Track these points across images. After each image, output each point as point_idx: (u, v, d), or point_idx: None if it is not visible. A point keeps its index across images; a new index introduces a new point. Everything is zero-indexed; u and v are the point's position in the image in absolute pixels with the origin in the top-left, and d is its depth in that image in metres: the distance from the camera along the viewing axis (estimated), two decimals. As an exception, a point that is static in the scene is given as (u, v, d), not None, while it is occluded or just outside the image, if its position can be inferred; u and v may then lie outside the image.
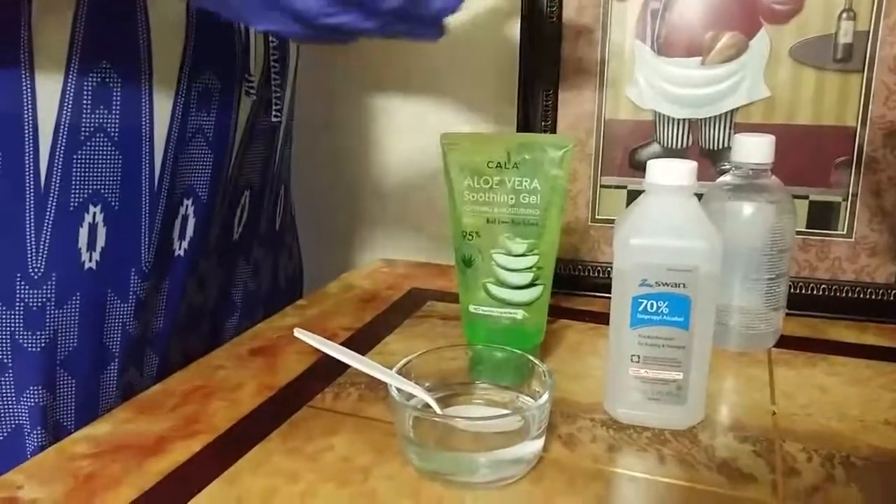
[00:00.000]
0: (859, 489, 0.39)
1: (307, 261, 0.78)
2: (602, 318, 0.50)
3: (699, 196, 0.50)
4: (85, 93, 0.44)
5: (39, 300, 0.45)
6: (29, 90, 0.43)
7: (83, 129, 0.45)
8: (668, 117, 0.66)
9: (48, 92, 0.43)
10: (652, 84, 0.65)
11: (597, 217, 0.69)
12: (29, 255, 0.45)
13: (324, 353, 0.45)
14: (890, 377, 0.52)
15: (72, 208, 0.46)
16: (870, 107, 0.61)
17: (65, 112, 0.44)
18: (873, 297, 0.62)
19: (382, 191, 0.89)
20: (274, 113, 0.58)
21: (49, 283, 0.46)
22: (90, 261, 0.47)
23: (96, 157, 0.46)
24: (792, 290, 0.60)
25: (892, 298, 0.62)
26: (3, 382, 0.45)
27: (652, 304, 0.43)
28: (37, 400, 0.46)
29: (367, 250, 0.91)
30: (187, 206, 0.52)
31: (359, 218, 0.91)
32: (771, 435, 0.44)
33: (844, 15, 0.61)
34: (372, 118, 0.87)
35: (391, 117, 0.86)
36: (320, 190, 0.91)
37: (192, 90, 0.49)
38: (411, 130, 0.85)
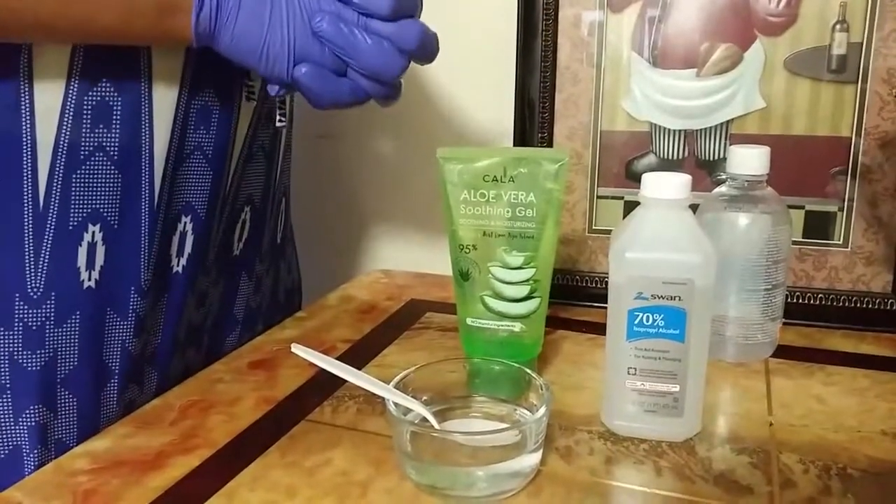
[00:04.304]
0: (856, 501, 0.39)
1: (306, 271, 0.78)
2: (600, 329, 0.50)
3: (695, 207, 0.50)
4: (85, 111, 0.45)
5: (38, 320, 0.46)
6: (28, 108, 0.43)
7: (82, 147, 0.45)
8: (664, 128, 0.66)
9: (47, 110, 0.43)
10: (647, 96, 0.66)
11: (594, 227, 0.69)
12: (28, 275, 0.45)
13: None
14: (887, 387, 0.52)
15: (71, 227, 0.46)
16: (864, 117, 0.61)
17: (64, 130, 0.44)
18: (870, 306, 0.62)
19: (381, 201, 0.89)
20: (279, 118, 0.58)
21: (48, 302, 0.46)
22: (89, 279, 0.47)
23: (95, 175, 0.46)
24: (788, 300, 0.60)
25: (888, 307, 0.62)
26: (1, 403, 0.45)
27: (648, 317, 0.43)
28: (37, 419, 0.46)
29: (366, 260, 0.92)
30: (185, 223, 0.52)
31: (357, 228, 0.91)
32: (768, 446, 0.44)
33: (838, 27, 0.61)
34: (370, 130, 0.87)
35: (389, 129, 0.86)
36: (319, 200, 0.91)
37: (191, 107, 0.49)
38: (409, 142, 0.86)
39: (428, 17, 0.48)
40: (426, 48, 0.46)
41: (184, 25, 0.42)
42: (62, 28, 0.41)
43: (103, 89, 0.45)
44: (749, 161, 0.54)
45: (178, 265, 0.53)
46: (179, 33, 0.42)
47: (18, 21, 0.40)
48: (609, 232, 0.67)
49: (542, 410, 0.40)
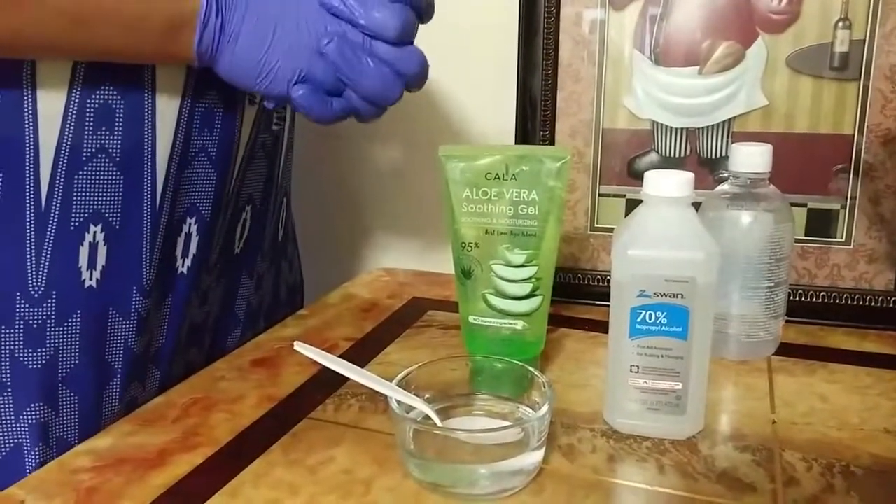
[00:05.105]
0: (859, 499, 0.39)
1: (308, 270, 0.78)
2: (602, 327, 0.50)
3: (697, 205, 0.50)
4: (87, 114, 0.45)
5: (39, 318, 0.46)
6: (30, 111, 0.43)
7: (84, 149, 0.45)
8: (666, 126, 0.66)
9: (50, 113, 0.43)
10: (649, 94, 0.66)
11: (596, 225, 0.69)
12: (29, 274, 0.45)
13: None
14: (889, 385, 0.52)
15: (72, 227, 0.46)
16: (867, 115, 0.61)
17: (66, 133, 0.44)
18: (872, 304, 0.62)
19: (383, 199, 0.89)
20: (275, 121, 0.58)
21: (49, 301, 0.46)
22: (91, 279, 0.47)
23: (97, 177, 0.46)
24: (791, 298, 0.60)
25: (891, 305, 0.62)
26: (2, 401, 0.45)
27: (650, 315, 0.43)
28: (37, 417, 0.46)
29: (368, 259, 0.92)
30: (190, 224, 0.52)
31: (359, 227, 0.91)
32: (771, 444, 0.44)
33: (840, 24, 0.61)
34: (372, 128, 0.87)
35: (391, 128, 0.86)
36: (321, 199, 0.91)
37: (195, 110, 0.49)
38: (411, 141, 0.86)
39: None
40: (423, 75, 0.47)
41: (187, 44, 0.42)
42: (67, 50, 0.41)
43: (106, 92, 0.45)
44: (751, 159, 0.54)
45: (183, 266, 0.53)
46: (182, 52, 0.43)
47: (24, 43, 0.40)
48: (611, 230, 0.67)
49: (545, 408, 0.40)
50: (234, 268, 0.60)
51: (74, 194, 0.45)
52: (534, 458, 0.40)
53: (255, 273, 0.63)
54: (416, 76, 0.46)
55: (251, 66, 0.43)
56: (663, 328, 0.43)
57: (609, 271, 0.46)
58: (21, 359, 0.45)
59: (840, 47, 0.61)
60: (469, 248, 0.51)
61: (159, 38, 0.42)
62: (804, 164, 0.63)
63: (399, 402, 0.41)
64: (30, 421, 0.46)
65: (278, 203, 0.65)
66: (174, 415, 0.49)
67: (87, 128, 0.45)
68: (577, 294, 0.68)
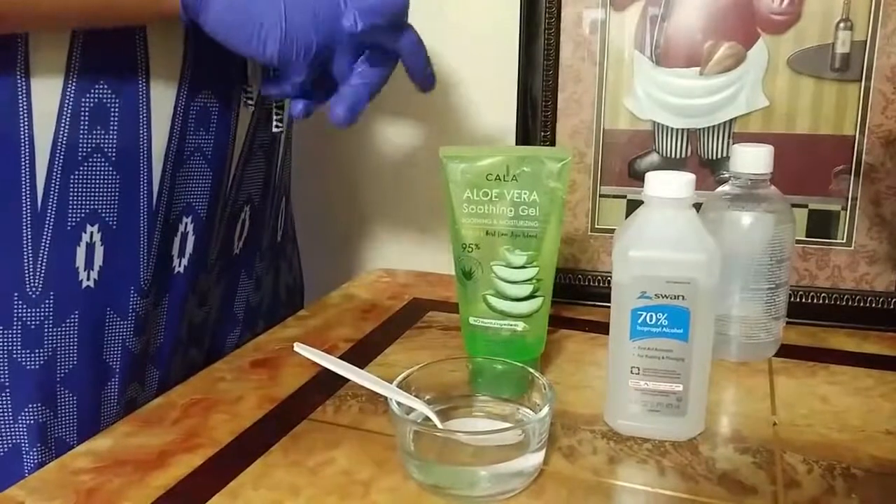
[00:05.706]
0: (860, 500, 0.39)
1: (308, 270, 0.78)
2: (602, 328, 0.50)
3: (698, 206, 0.50)
4: (82, 113, 0.45)
5: (37, 319, 0.46)
6: (26, 110, 0.43)
7: (80, 149, 0.45)
8: (667, 127, 0.66)
9: (45, 112, 0.43)
10: (650, 94, 0.66)
11: (596, 226, 0.69)
12: (26, 275, 0.45)
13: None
14: (891, 386, 0.52)
15: (69, 228, 0.46)
16: (868, 116, 0.61)
17: (62, 132, 0.44)
18: (873, 305, 0.62)
19: (383, 200, 0.89)
20: (275, 123, 0.58)
21: (47, 302, 0.46)
22: (88, 279, 0.47)
23: (93, 177, 0.46)
24: (792, 299, 0.60)
25: (891, 307, 0.62)
26: (0, 402, 0.45)
27: (651, 317, 0.43)
28: (35, 418, 0.46)
29: (368, 259, 0.92)
30: (186, 223, 0.52)
31: (359, 227, 0.91)
32: (771, 446, 0.44)
33: (842, 25, 0.61)
34: (373, 128, 0.87)
35: (392, 128, 0.86)
36: (320, 199, 0.91)
37: (190, 109, 0.49)
38: (412, 141, 0.86)
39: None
40: (419, 54, 0.47)
41: None
42: (51, 7, 0.40)
43: (100, 91, 0.45)
44: (752, 160, 0.54)
45: (179, 265, 0.53)
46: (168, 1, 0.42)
47: (10, 9, 0.39)
48: (612, 231, 0.67)
49: (546, 410, 0.40)
50: (233, 268, 0.60)
51: (71, 194, 0.45)
52: (534, 459, 0.40)
53: (255, 273, 0.63)
54: (410, 55, 0.46)
55: (244, 20, 0.41)
56: (664, 330, 0.43)
57: (610, 272, 0.46)
58: (19, 359, 0.45)
59: (841, 48, 0.61)
60: (470, 249, 0.51)
61: None
62: (805, 165, 0.63)
63: (399, 404, 0.41)
64: (28, 421, 0.46)
65: (277, 203, 0.65)
66: (174, 416, 0.49)
67: (82, 127, 0.45)
68: (577, 295, 0.68)
